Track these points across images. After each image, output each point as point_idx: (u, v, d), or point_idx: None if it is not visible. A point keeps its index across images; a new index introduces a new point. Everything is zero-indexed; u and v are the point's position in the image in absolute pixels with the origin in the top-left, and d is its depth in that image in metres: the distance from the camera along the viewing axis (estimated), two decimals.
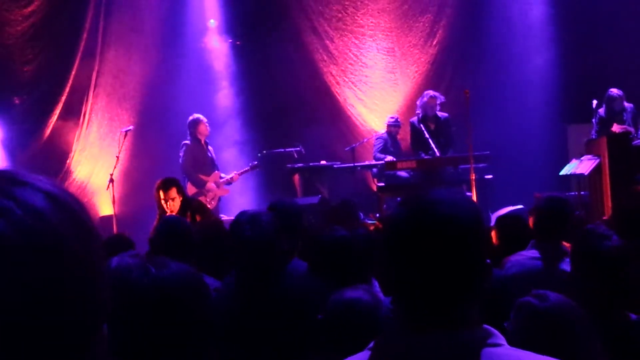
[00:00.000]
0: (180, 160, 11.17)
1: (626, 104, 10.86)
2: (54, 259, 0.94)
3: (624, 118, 10.79)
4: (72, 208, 0.99)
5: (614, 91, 10.82)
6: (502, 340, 1.60)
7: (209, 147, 11.32)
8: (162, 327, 1.69)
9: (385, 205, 10.90)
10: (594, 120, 10.82)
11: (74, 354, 0.96)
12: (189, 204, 7.82)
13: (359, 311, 2.58)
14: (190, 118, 11.17)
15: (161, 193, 7.65)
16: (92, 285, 0.98)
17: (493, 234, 5.18)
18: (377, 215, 10.30)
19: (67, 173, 12.62)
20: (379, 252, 1.72)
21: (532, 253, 4.53)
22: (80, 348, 0.97)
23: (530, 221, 5.47)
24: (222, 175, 11.35)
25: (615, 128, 10.41)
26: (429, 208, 1.61)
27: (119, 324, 1.57)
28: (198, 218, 7.54)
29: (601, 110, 10.83)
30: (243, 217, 3.78)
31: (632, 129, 10.54)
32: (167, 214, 7.56)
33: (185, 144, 11.16)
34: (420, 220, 1.60)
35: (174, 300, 1.73)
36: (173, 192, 7.66)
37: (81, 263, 0.97)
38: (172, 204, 7.59)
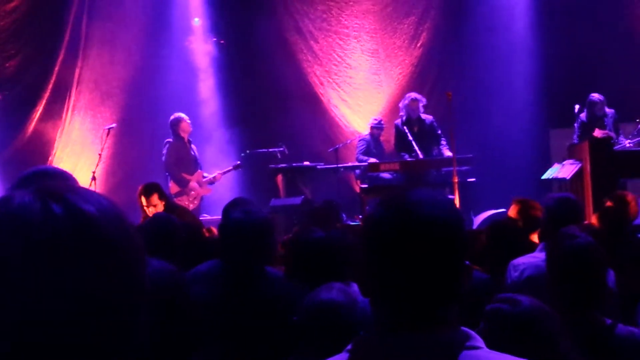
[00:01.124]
0: (163, 158, 11.15)
1: (607, 110, 10.93)
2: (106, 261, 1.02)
3: (605, 123, 10.85)
4: (116, 212, 1.08)
5: (595, 96, 10.89)
6: (480, 343, 1.60)
7: (192, 146, 11.30)
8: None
9: (367, 207, 10.91)
10: (575, 125, 10.88)
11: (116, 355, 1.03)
12: (172, 209, 7.81)
13: (334, 312, 2.57)
14: (172, 117, 11.16)
15: (143, 199, 7.67)
16: (138, 286, 1.07)
17: (483, 236, 5.16)
18: (360, 216, 10.31)
19: None
20: (357, 252, 1.71)
21: (543, 255, 4.48)
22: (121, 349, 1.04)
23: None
24: (205, 174, 11.33)
25: (597, 133, 10.47)
26: (412, 209, 1.61)
27: None
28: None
29: (583, 115, 10.90)
30: (236, 203, 3.79)
31: (613, 134, 10.60)
32: (145, 217, 7.60)
33: (169, 141, 11.14)
34: (404, 220, 1.60)
35: (157, 297, 1.73)
36: (154, 198, 7.66)
37: (139, 245, 1.07)
38: (154, 210, 7.56)
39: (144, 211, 7.69)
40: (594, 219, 5.76)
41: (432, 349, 1.57)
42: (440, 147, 11.39)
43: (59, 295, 0.97)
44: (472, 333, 1.62)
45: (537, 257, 4.49)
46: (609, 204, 5.81)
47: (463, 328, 1.62)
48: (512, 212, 5.52)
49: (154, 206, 7.62)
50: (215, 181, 11.40)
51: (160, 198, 7.70)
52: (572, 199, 4.88)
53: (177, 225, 4.77)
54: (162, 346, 1.70)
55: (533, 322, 2.46)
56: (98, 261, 1.00)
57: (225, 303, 3.63)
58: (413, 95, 11.58)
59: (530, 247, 4.77)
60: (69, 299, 0.98)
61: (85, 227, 1.01)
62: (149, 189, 7.75)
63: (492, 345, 1.66)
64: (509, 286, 4.24)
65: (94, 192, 1.08)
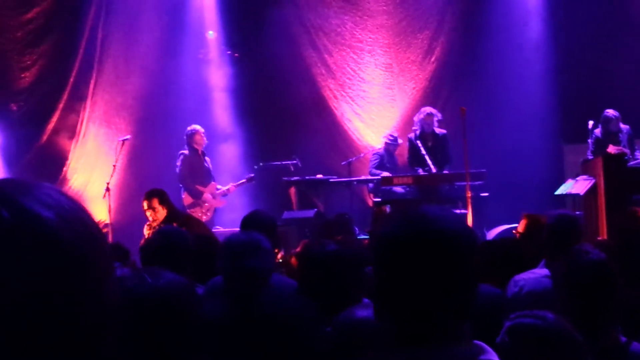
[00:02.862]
0: (177, 170, 11.20)
1: (622, 126, 10.90)
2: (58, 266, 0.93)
3: (620, 139, 10.82)
4: (80, 217, 0.99)
5: (610, 112, 10.87)
6: (494, 356, 1.61)
7: (206, 158, 11.34)
8: (158, 334, 1.71)
9: (379, 223, 10.88)
10: (589, 140, 10.85)
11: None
12: (176, 216, 7.89)
13: (368, 331, 2.57)
14: (188, 129, 11.24)
15: (145, 203, 7.86)
16: (101, 297, 0.98)
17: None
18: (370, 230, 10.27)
19: (64, 181, 12.61)
20: (369, 267, 1.72)
21: (544, 271, 4.48)
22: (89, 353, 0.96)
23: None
24: (219, 186, 11.36)
25: (611, 149, 10.44)
26: (427, 225, 1.62)
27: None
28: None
29: (597, 131, 10.87)
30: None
31: (627, 151, 10.57)
32: (149, 223, 7.88)
33: (183, 153, 11.19)
34: (419, 236, 1.61)
35: (170, 308, 1.74)
36: (154, 202, 7.83)
37: (88, 269, 0.96)
38: (153, 214, 7.75)
39: (146, 215, 7.90)
40: (606, 235, 5.75)
41: None
42: (444, 164, 11.36)
43: (7, 304, 0.88)
44: (486, 347, 1.62)
45: (536, 273, 4.48)
46: (620, 221, 5.80)
47: (476, 341, 1.62)
48: (521, 226, 5.51)
49: (153, 209, 7.82)
50: (229, 193, 11.43)
51: (162, 203, 7.84)
52: (571, 215, 4.87)
53: (187, 237, 4.77)
54: (173, 353, 1.71)
55: (560, 337, 2.46)
56: (52, 267, 0.91)
57: (228, 320, 3.63)
58: (429, 109, 11.59)
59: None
60: (19, 309, 0.89)
61: (37, 232, 0.92)
62: (150, 193, 7.97)
63: (515, 359, 1.65)
64: (508, 301, 4.24)
65: (58, 193, 0.98)
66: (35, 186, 0.97)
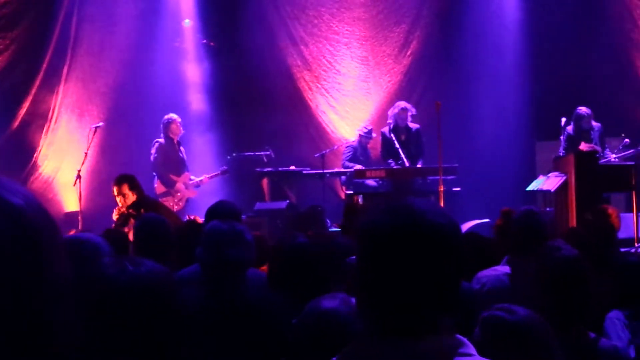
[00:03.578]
0: (151, 158, 11.15)
1: (594, 123, 11.00)
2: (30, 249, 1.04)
3: (592, 137, 10.92)
4: (39, 203, 1.09)
5: (583, 109, 10.96)
6: (472, 350, 1.61)
7: (181, 148, 11.30)
8: (138, 322, 1.71)
9: (362, 215, 10.89)
10: (562, 137, 10.94)
11: (39, 345, 1.03)
12: (145, 202, 7.93)
13: (335, 321, 2.58)
14: (164, 117, 11.21)
15: (115, 188, 7.87)
16: (58, 280, 1.08)
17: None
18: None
19: (34, 167, 12.51)
20: (355, 259, 1.71)
21: (505, 269, 4.51)
22: (44, 340, 1.04)
23: (495, 233, 5.52)
24: (192, 177, 11.33)
25: (583, 146, 10.54)
26: (417, 217, 1.61)
27: (96, 318, 1.62)
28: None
29: (569, 128, 10.96)
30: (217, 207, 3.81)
31: (599, 148, 10.67)
32: (118, 208, 7.92)
33: (158, 141, 11.15)
34: (409, 228, 1.60)
35: (151, 296, 1.74)
36: (125, 187, 7.88)
37: (51, 257, 1.07)
38: (123, 200, 7.81)
39: (117, 201, 7.90)
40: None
41: (424, 355, 1.58)
42: (417, 158, 11.42)
43: None
44: (465, 340, 1.63)
45: (498, 270, 4.52)
46: (589, 218, 5.86)
47: (457, 335, 1.63)
48: (500, 221, 5.55)
49: (123, 195, 7.85)
50: (202, 184, 11.41)
51: (131, 189, 7.87)
52: (536, 211, 4.90)
53: (169, 226, 4.76)
54: (152, 347, 1.71)
55: (530, 331, 2.47)
56: (22, 252, 1.02)
57: (204, 309, 3.62)
58: (403, 104, 11.62)
59: None
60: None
61: (12, 218, 1.02)
62: (120, 179, 7.97)
63: (486, 352, 1.66)
64: (469, 297, 4.28)
65: (19, 184, 1.09)
66: (1, 178, 1.08)
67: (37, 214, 1.06)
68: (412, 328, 1.59)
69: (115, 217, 8.05)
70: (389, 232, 1.61)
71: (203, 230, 3.89)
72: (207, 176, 11.47)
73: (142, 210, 7.57)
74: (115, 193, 7.91)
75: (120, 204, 7.91)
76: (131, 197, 7.83)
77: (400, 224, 1.61)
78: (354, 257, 4.35)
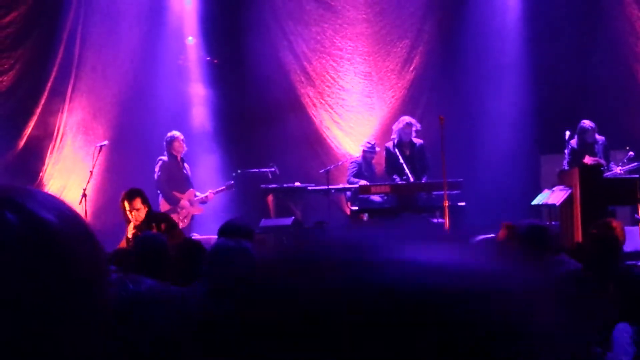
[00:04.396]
0: (155, 176, 11.16)
1: (598, 137, 11.00)
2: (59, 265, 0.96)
3: (596, 150, 10.92)
4: (77, 220, 1.02)
5: (587, 123, 10.96)
6: None
7: (185, 165, 11.31)
8: (139, 339, 1.72)
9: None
10: (566, 151, 10.94)
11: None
12: (154, 217, 7.85)
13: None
14: (167, 135, 11.21)
15: (126, 204, 7.71)
16: (96, 300, 1.00)
17: None
18: None
19: (40, 186, 12.52)
20: None
21: None
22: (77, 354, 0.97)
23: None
24: (197, 193, 11.33)
25: (587, 160, 10.54)
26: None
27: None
28: (163, 227, 7.55)
29: (573, 142, 10.96)
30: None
31: (603, 162, 10.67)
32: (132, 224, 7.70)
33: (161, 159, 11.16)
34: None
35: (151, 314, 1.76)
36: (137, 202, 7.69)
37: (101, 255, 1.02)
38: (137, 214, 7.63)
39: (127, 217, 7.71)
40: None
41: None
42: (422, 174, 11.43)
43: (9, 305, 0.91)
44: None
45: None
46: (594, 231, 5.85)
47: None
48: (501, 236, 5.55)
49: (137, 210, 7.66)
50: (208, 200, 11.40)
51: (143, 203, 7.73)
52: (541, 225, 4.91)
53: (166, 244, 4.79)
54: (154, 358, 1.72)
55: None
56: (54, 271, 0.94)
57: (211, 324, 3.63)
58: (408, 119, 11.63)
59: None
60: (19, 310, 0.91)
61: (42, 236, 0.94)
62: (132, 193, 7.81)
63: None
64: None
65: (58, 199, 1.02)
66: (36, 191, 1.01)
67: (72, 233, 0.97)
68: None
69: (130, 234, 7.76)
70: None
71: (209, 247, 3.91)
72: (212, 192, 11.46)
73: (153, 226, 7.49)
74: (128, 208, 7.71)
75: (132, 219, 7.70)
76: (143, 211, 7.69)
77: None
78: None
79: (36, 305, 0.92)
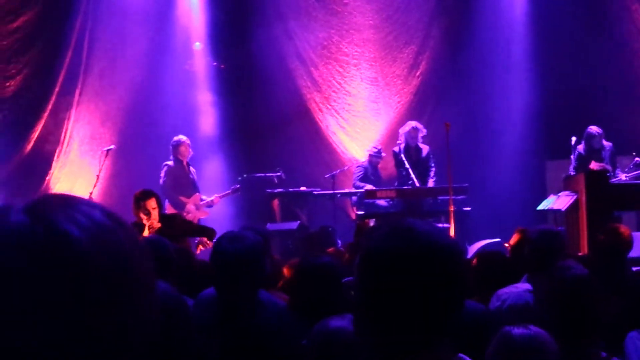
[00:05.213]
0: (160, 181, 11.16)
1: (605, 143, 10.99)
2: (120, 263, 0.93)
3: (602, 156, 10.91)
4: (116, 238, 0.95)
5: (594, 129, 10.95)
6: None
7: (191, 169, 11.32)
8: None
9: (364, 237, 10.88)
10: (572, 156, 10.94)
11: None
12: (167, 218, 7.81)
13: (342, 341, 2.58)
14: (174, 139, 11.22)
15: (141, 203, 7.51)
16: (148, 296, 0.97)
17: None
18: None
19: (46, 190, 12.56)
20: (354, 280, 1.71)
21: (526, 286, 4.54)
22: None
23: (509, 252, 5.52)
24: (203, 197, 11.35)
25: (594, 165, 10.53)
26: (419, 238, 1.62)
27: None
28: (178, 227, 7.50)
29: (580, 147, 10.96)
30: (226, 234, 3.82)
31: (609, 167, 10.66)
32: (147, 225, 7.48)
33: (167, 164, 11.17)
34: (410, 250, 1.61)
35: (164, 318, 1.77)
36: (153, 202, 7.50)
37: (139, 272, 0.95)
38: (153, 214, 7.46)
39: (140, 217, 7.54)
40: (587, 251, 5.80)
41: None
42: (428, 178, 11.45)
43: (32, 325, 0.86)
44: (467, 359, 1.64)
45: (519, 287, 4.55)
46: (601, 237, 5.85)
47: (460, 355, 1.64)
48: (513, 240, 5.56)
49: (153, 209, 7.43)
50: (214, 204, 11.42)
51: (158, 203, 7.60)
52: (554, 231, 4.92)
53: (171, 248, 4.78)
54: None
55: (533, 353, 2.48)
56: (77, 288, 0.88)
57: (220, 330, 3.64)
58: (414, 124, 11.64)
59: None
60: (43, 330, 0.87)
61: (64, 251, 0.89)
62: (147, 193, 7.56)
63: None
64: (491, 315, 4.29)
65: (99, 212, 0.95)
66: (75, 204, 0.95)
67: (102, 250, 0.90)
68: (413, 350, 1.59)
69: (147, 234, 7.46)
70: (388, 255, 1.62)
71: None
72: (218, 195, 11.46)
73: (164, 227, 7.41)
74: (141, 209, 7.47)
75: (145, 220, 7.46)
76: (155, 213, 7.47)
77: (399, 247, 1.61)
78: (350, 278, 4.36)
79: (42, 319, 0.87)
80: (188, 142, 11.23)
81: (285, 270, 5.32)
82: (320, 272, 3.94)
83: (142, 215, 7.49)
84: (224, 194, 11.56)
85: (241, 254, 3.66)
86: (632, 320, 4.08)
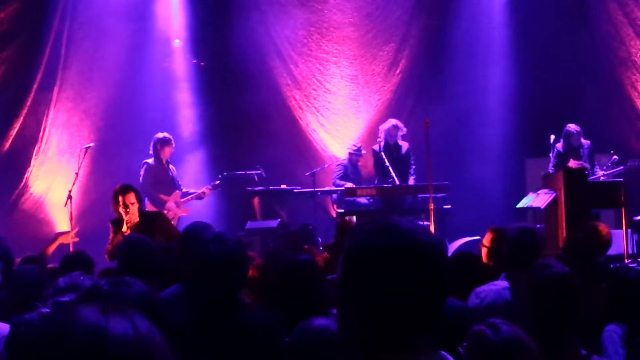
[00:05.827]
0: (140, 179, 11.09)
1: (583, 141, 11.06)
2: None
3: (581, 154, 10.98)
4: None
5: (572, 127, 11.02)
6: None
7: (171, 167, 11.26)
8: None
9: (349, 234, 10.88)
10: (551, 154, 11.00)
11: None
12: (145, 214, 7.77)
13: (326, 340, 2.58)
14: (160, 136, 11.02)
15: (120, 198, 7.49)
16: None
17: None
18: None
19: (25, 187, 12.50)
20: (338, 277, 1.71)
21: (505, 284, 4.56)
22: None
23: (483, 252, 5.53)
24: (185, 189, 11.25)
25: (572, 164, 10.59)
26: (406, 237, 1.63)
27: None
28: (157, 223, 7.45)
29: (559, 145, 11.02)
30: (207, 235, 3.79)
31: (588, 165, 10.73)
32: (125, 220, 7.46)
33: (146, 162, 11.10)
34: (398, 247, 1.61)
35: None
36: (132, 196, 7.49)
37: None
38: (132, 209, 7.43)
39: (119, 212, 7.50)
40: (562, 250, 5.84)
41: None
42: (408, 176, 11.48)
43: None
44: (449, 357, 1.65)
45: (497, 285, 4.57)
46: (580, 234, 5.89)
47: (441, 352, 1.65)
48: (487, 239, 5.57)
49: (132, 204, 7.41)
50: (205, 196, 11.31)
51: (137, 198, 7.57)
52: (532, 228, 4.94)
53: (152, 247, 4.77)
54: None
55: (511, 352, 2.49)
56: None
57: (198, 331, 3.62)
58: (395, 122, 11.67)
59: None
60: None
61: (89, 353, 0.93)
62: (127, 188, 7.53)
63: None
64: (469, 313, 4.31)
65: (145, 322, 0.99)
66: (150, 300, 1.02)
67: (140, 352, 0.95)
68: (394, 346, 1.60)
69: (126, 229, 7.44)
70: (377, 252, 1.62)
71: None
72: (209, 186, 11.34)
73: (150, 223, 7.35)
74: (121, 204, 7.43)
75: (125, 215, 7.42)
76: (136, 206, 7.46)
77: (387, 244, 1.62)
78: (334, 275, 4.36)
79: None
80: (170, 141, 11.13)
81: (250, 271, 5.30)
82: (300, 269, 3.93)
83: (121, 210, 7.47)
84: (208, 187, 11.43)
85: (229, 255, 3.66)
86: (613, 316, 4.11)
